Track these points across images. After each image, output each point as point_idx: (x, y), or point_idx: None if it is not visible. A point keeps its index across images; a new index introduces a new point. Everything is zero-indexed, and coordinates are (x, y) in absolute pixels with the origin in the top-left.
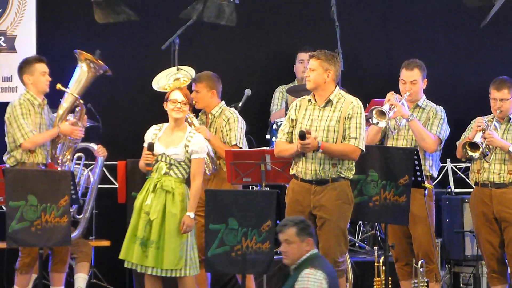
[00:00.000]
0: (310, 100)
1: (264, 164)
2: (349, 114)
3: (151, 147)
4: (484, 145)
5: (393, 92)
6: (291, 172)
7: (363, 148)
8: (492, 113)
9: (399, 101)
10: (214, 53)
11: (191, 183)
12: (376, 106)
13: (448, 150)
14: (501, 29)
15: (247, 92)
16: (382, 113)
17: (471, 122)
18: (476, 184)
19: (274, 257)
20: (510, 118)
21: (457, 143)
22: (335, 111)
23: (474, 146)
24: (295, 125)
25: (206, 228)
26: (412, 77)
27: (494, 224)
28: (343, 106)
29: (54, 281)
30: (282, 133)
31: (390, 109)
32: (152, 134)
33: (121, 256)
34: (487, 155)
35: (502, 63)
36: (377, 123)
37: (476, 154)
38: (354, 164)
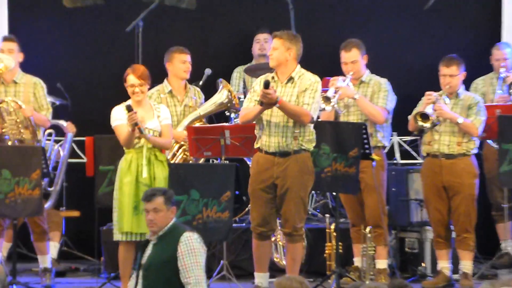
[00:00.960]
0: (273, 77)
1: (223, 139)
2: (305, 87)
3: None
4: (434, 116)
5: (336, 77)
6: (256, 145)
7: (314, 116)
8: (442, 89)
9: (344, 82)
10: (176, 35)
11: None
12: (321, 93)
13: (394, 124)
14: (443, 12)
15: (207, 71)
16: (327, 98)
17: (422, 98)
18: (427, 155)
19: (233, 225)
20: (458, 94)
21: (409, 117)
22: (295, 87)
23: (425, 116)
24: None
25: None
26: (352, 58)
27: (442, 192)
28: (302, 81)
29: (39, 250)
30: (249, 101)
31: (335, 92)
32: (122, 113)
33: (126, 229)
34: (437, 124)
35: (444, 44)
36: (324, 108)
37: (427, 125)
38: (314, 136)
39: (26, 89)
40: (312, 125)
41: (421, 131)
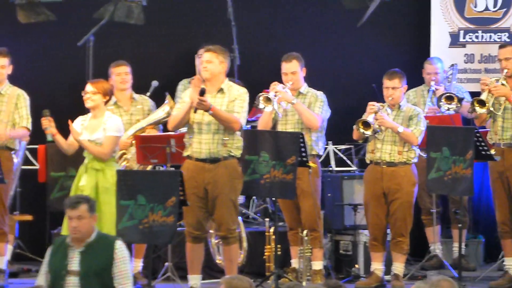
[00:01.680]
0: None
1: (169, 147)
2: (235, 97)
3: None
4: (375, 125)
5: (276, 82)
6: (185, 153)
7: (243, 124)
8: (385, 101)
9: (282, 89)
10: (125, 49)
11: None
12: (262, 93)
13: (330, 134)
14: (376, 28)
15: (154, 83)
16: (268, 99)
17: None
18: (370, 162)
19: (177, 228)
20: (400, 106)
21: (354, 126)
22: (225, 97)
23: (366, 124)
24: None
25: (117, 203)
26: (292, 68)
27: (382, 198)
28: (231, 92)
29: None
30: (178, 110)
31: (275, 95)
32: (80, 124)
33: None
34: (378, 132)
35: (378, 58)
36: (264, 107)
37: (368, 132)
38: (241, 143)
39: (9, 99)
40: (239, 133)
41: (365, 140)
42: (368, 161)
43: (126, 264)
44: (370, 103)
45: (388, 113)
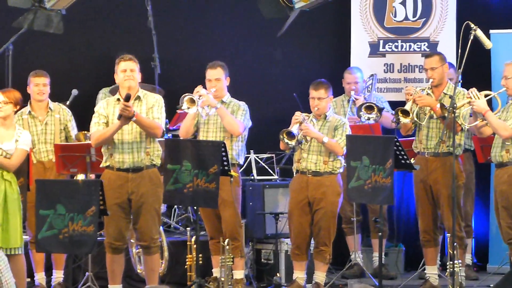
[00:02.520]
0: (118, 99)
1: (89, 156)
2: (152, 104)
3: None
4: (299, 135)
5: (201, 85)
6: (104, 164)
7: (164, 128)
8: (309, 110)
9: (206, 93)
10: (45, 58)
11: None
12: (187, 94)
13: (251, 143)
14: (296, 38)
15: (74, 92)
16: (192, 101)
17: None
18: (297, 171)
19: (98, 238)
20: (326, 116)
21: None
22: (142, 105)
23: (290, 135)
24: (107, 121)
25: (37, 213)
26: (216, 75)
27: (306, 207)
28: (148, 100)
29: None
30: (98, 124)
31: (199, 98)
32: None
33: None
34: (302, 142)
35: (298, 68)
36: (188, 108)
37: (292, 142)
38: (161, 151)
39: None
40: (157, 141)
41: (292, 149)
42: (294, 171)
43: (9, 272)
44: (296, 113)
45: (314, 123)
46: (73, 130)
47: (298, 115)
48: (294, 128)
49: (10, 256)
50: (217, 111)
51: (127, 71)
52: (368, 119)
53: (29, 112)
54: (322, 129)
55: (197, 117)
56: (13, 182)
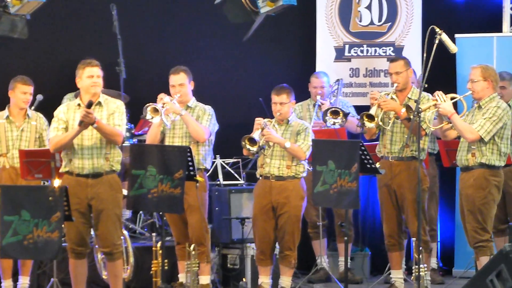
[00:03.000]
0: (79, 104)
1: (54, 162)
2: (113, 110)
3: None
4: (261, 141)
5: (164, 93)
6: (64, 169)
7: (125, 135)
8: (273, 116)
9: (171, 101)
10: (9, 63)
11: None
12: (149, 104)
13: (217, 147)
14: (263, 43)
15: (39, 97)
16: (155, 110)
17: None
18: (260, 176)
19: (63, 244)
20: (288, 121)
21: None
22: (103, 110)
23: (252, 141)
24: (67, 126)
25: (1, 219)
26: (180, 80)
27: (270, 212)
28: (109, 106)
29: None
30: (57, 129)
31: (162, 106)
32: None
33: None
34: (264, 148)
35: (264, 73)
36: (152, 118)
37: (254, 148)
38: (121, 157)
39: None
40: (118, 146)
41: (257, 155)
42: (258, 176)
43: None
44: (257, 119)
45: (276, 129)
46: (48, 140)
47: (259, 121)
48: (256, 134)
49: None
50: (182, 118)
51: (94, 77)
52: (334, 124)
53: (7, 116)
54: (285, 134)
55: (163, 124)
56: None
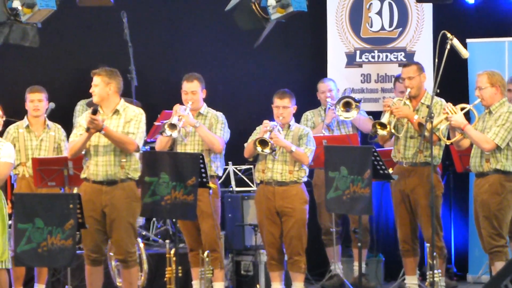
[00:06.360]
0: (99, 111)
1: (67, 170)
2: (130, 118)
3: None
4: (272, 142)
5: (178, 104)
6: (82, 176)
7: (140, 145)
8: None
9: (184, 111)
10: (21, 71)
11: None
12: (167, 120)
13: (230, 154)
14: (273, 50)
15: (51, 105)
16: (173, 126)
17: (256, 128)
18: (261, 182)
19: (77, 251)
20: (290, 125)
21: (245, 144)
22: (121, 118)
23: (263, 143)
24: None
25: (15, 227)
26: (193, 88)
27: (275, 217)
28: (127, 113)
29: None
30: (75, 135)
31: (179, 120)
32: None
33: None
34: (275, 150)
35: (275, 80)
36: (171, 134)
37: (266, 150)
38: (139, 165)
39: None
40: (137, 154)
41: (255, 158)
42: (258, 181)
43: None
44: (265, 121)
45: (280, 132)
46: (66, 151)
47: (267, 123)
48: (266, 136)
49: None
50: (197, 130)
51: (92, 87)
52: (347, 118)
53: (27, 126)
54: (286, 138)
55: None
56: None
